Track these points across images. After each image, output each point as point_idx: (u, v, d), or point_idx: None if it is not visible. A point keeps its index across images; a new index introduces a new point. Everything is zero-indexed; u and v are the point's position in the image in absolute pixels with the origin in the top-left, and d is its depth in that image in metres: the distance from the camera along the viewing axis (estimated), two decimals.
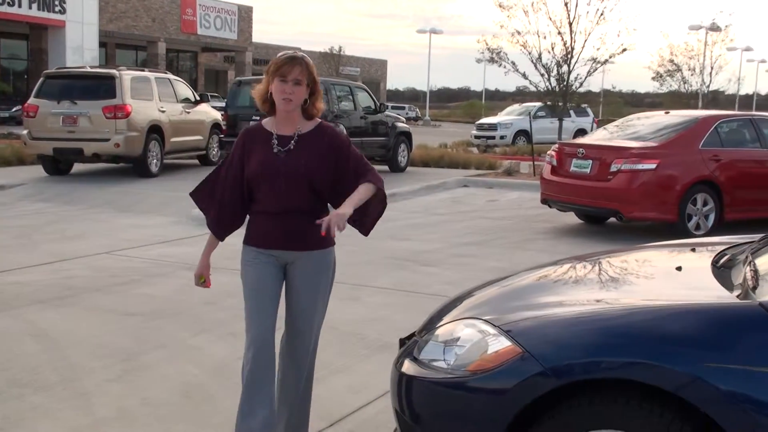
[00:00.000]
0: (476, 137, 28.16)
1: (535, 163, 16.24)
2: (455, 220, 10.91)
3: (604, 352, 2.53)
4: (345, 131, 11.40)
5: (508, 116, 29.74)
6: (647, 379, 2.44)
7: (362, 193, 3.31)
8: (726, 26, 24.63)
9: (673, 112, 10.83)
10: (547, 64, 15.36)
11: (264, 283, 3.39)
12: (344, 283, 6.94)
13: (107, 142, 13.53)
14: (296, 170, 3.29)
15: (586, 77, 15.47)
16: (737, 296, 2.64)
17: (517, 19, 15.23)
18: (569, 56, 15.19)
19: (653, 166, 9.22)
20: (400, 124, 16.30)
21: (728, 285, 2.80)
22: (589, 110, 28.53)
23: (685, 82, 25.49)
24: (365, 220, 3.46)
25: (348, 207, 3.24)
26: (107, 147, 13.58)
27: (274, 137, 3.36)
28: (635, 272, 3.37)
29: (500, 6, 15.39)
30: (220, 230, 3.49)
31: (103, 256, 8.02)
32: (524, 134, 28.37)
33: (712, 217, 9.59)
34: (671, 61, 25.16)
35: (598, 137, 10.47)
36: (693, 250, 3.55)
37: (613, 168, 9.37)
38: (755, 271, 2.85)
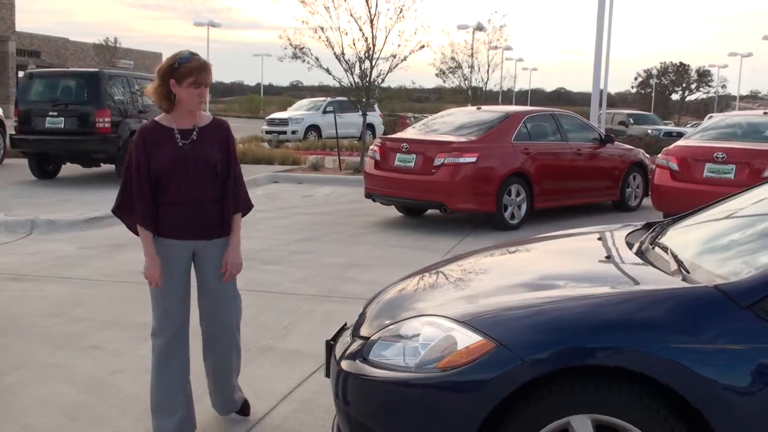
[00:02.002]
0: (267, 132, 27.98)
1: (340, 158, 16.46)
2: (278, 216, 10.81)
3: (578, 340, 2.63)
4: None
5: (298, 111, 29.81)
6: (623, 363, 2.57)
7: (238, 226, 3.73)
8: (500, 27, 26.24)
9: (484, 108, 11.40)
10: (350, 60, 15.56)
11: (177, 274, 3.62)
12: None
13: None
14: (204, 160, 3.54)
15: (387, 73, 15.85)
16: (681, 280, 2.86)
17: (320, 15, 15.30)
18: (371, 52, 15.48)
19: (473, 159, 9.68)
20: None
21: (665, 270, 3.01)
22: (376, 106, 29.26)
23: (465, 79, 26.86)
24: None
25: (237, 253, 3.72)
26: None
27: (176, 132, 3.55)
28: (567, 262, 3.55)
29: (302, 2, 15.38)
30: (153, 223, 3.56)
31: None
32: (315, 129, 28.65)
33: (524, 207, 10.24)
34: (453, 58, 26.43)
35: (419, 132, 10.77)
36: (599, 239, 3.79)
37: (437, 162, 9.71)
38: (675, 256, 3.12)
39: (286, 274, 7.35)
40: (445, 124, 10.82)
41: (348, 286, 6.89)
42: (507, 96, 44.39)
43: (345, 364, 3.10)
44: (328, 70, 15.62)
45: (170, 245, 3.58)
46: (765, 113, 10.44)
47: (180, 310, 3.67)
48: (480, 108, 11.39)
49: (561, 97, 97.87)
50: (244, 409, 4.04)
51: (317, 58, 15.46)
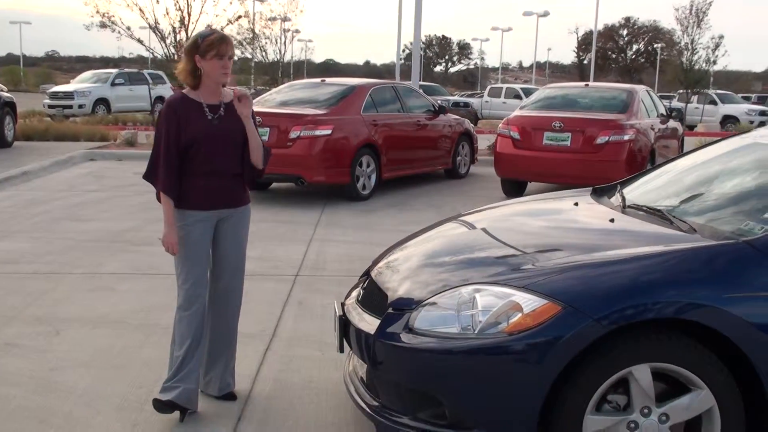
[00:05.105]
0: (51, 107, 25.95)
1: None
2: (120, 195, 10.25)
3: (640, 296, 2.86)
4: None
5: (84, 84, 27.95)
6: (680, 315, 2.84)
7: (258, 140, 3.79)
8: None
9: (328, 80, 11.45)
10: (163, 30, 14.90)
11: (204, 245, 3.73)
12: (71, 273, 6.29)
13: None
14: (232, 134, 3.70)
15: None
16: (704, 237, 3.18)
17: None
18: (186, 22, 14.92)
19: (329, 132, 9.74)
20: (3, 94, 14.48)
21: (674, 228, 3.32)
22: (165, 77, 28.18)
23: (263, 51, 26.56)
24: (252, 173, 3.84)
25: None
26: None
27: (204, 106, 3.67)
28: (570, 224, 3.77)
29: None
30: (175, 192, 3.64)
31: None
32: (104, 102, 27.08)
33: (374, 178, 10.47)
34: (251, 29, 26.00)
35: (270, 105, 10.60)
36: (576, 204, 4.05)
37: (293, 135, 9.65)
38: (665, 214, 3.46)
39: (169, 255, 7.01)
40: (292, 97, 10.75)
41: None
42: (287, 68, 44.35)
43: (385, 335, 3.13)
44: (140, 40, 14.88)
45: (197, 218, 3.68)
46: (586, 85, 11.40)
47: (206, 280, 3.78)
48: (324, 81, 11.43)
49: (330, 68, 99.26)
50: (233, 393, 3.94)
51: (129, 28, 14.66)
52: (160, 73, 28.65)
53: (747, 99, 38.38)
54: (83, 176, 12.03)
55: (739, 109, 31.87)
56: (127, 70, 29.76)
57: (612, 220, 3.56)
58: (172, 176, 3.61)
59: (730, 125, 29.41)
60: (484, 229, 3.84)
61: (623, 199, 3.90)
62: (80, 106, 26.16)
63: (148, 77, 28.39)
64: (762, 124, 28.26)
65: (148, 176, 3.73)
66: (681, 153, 4.28)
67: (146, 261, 6.77)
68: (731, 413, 2.92)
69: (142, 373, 4.27)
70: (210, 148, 3.64)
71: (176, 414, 3.67)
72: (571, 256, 3.15)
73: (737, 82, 64.71)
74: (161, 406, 3.60)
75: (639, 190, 4.13)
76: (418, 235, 4.15)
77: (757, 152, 3.98)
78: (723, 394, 2.90)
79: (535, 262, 3.16)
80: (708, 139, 17.01)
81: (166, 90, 28.81)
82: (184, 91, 3.74)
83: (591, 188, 4.41)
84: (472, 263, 3.36)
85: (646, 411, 2.91)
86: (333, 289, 5.97)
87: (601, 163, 9.51)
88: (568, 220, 3.87)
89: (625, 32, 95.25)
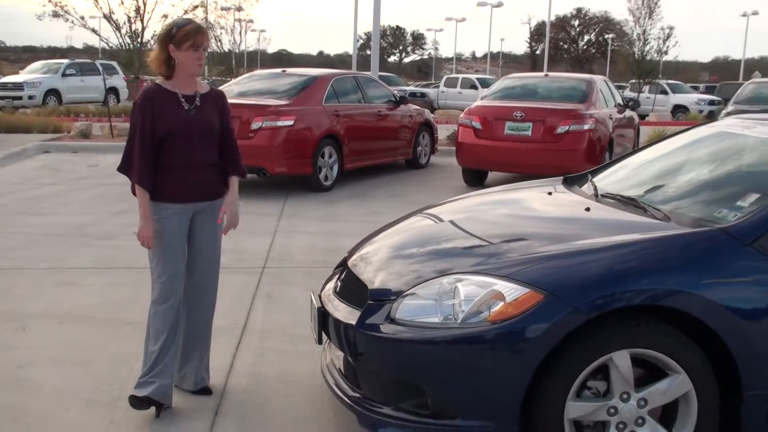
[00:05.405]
0: (0, 98, 25.35)
1: (112, 123, 15.51)
2: (78, 188, 10.06)
3: (620, 284, 2.90)
4: None
5: (33, 74, 27.33)
6: (659, 302, 2.89)
7: (236, 186, 3.84)
8: None
9: (289, 71, 11.36)
10: (118, 20, 14.63)
11: (180, 238, 3.67)
12: (33, 268, 6.18)
13: None
14: (208, 126, 3.64)
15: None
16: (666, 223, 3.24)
17: None
18: (142, 12, 14.68)
19: (291, 122, 9.67)
20: None
21: (649, 216, 3.37)
22: (118, 67, 27.70)
23: (218, 41, 26.28)
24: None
25: (237, 209, 3.82)
26: None
27: (180, 96, 3.61)
28: (547, 213, 3.80)
29: None
30: (150, 184, 3.57)
31: None
32: (54, 93, 26.52)
33: (336, 168, 10.44)
34: (206, 19, 25.69)
35: (231, 96, 10.46)
36: (550, 194, 4.09)
37: (254, 126, 9.56)
38: (639, 202, 3.51)
39: (133, 249, 6.84)
40: (252, 88, 10.65)
41: None
42: (241, 58, 43.99)
43: (366, 326, 3.13)
44: (94, 30, 14.59)
45: (173, 211, 3.62)
46: (546, 75, 11.50)
47: (182, 274, 3.70)
48: (285, 71, 11.34)
49: (283, 58, 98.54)
50: (208, 387, 3.90)
51: (83, 17, 14.36)
52: (113, 63, 28.16)
53: (695, 89, 39.11)
54: (38, 169, 11.78)
55: (690, 98, 32.49)
56: (78, 60, 29.17)
57: (587, 209, 3.61)
58: (147, 168, 3.54)
59: (680, 114, 30.02)
60: (463, 220, 3.86)
61: (595, 188, 3.95)
62: (30, 97, 25.57)
63: (100, 68, 27.90)
64: (711, 113, 28.90)
65: (123, 168, 3.66)
66: (651, 142, 4.33)
67: (109, 255, 6.67)
68: (707, 396, 2.98)
69: (112, 369, 4.21)
70: (186, 139, 3.58)
71: (152, 410, 3.63)
72: (552, 246, 3.18)
73: (684, 72, 65.90)
74: (137, 402, 3.55)
75: (610, 179, 4.19)
76: (396, 224, 4.15)
77: (725, 141, 4.06)
78: (699, 378, 2.96)
79: (515, 252, 3.18)
80: (663, 128, 17.33)
81: (119, 80, 28.36)
82: (158, 81, 3.67)
83: (562, 177, 4.46)
84: (455, 253, 3.37)
85: (625, 396, 2.96)
86: (301, 281, 5.95)
87: (562, 153, 9.61)
88: (544, 210, 3.90)
89: (576, 23, 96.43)
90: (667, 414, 3.04)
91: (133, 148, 3.57)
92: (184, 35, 3.51)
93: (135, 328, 4.86)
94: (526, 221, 3.76)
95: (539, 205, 3.97)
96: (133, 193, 3.64)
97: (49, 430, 3.53)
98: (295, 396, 3.91)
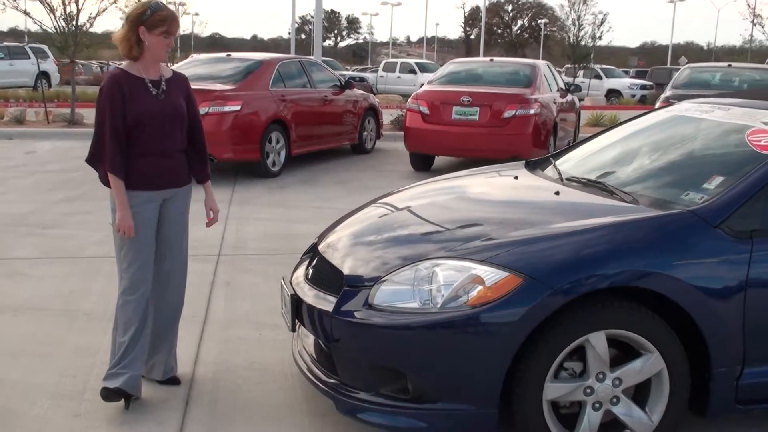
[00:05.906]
0: None
1: (47, 109, 15.07)
2: (14, 176, 9.73)
3: (597, 266, 2.95)
4: None
5: None
6: (634, 283, 2.95)
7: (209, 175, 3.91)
8: None
9: (234, 55, 11.18)
10: (51, 2, 14.16)
11: (152, 226, 3.60)
12: None
13: None
14: (176, 111, 3.57)
15: (95, 17, 14.67)
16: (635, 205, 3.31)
17: None
18: None
19: (238, 107, 9.55)
20: None
21: (617, 199, 3.44)
22: (49, 51, 26.88)
23: None
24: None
25: (215, 199, 3.97)
26: None
27: (147, 81, 3.52)
28: (518, 197, 3.84)
29: None
30: (124, 172, 3.48)
31: None
32: None
33: (283, 154, 10.36)
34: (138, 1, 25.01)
35: None
36: (516, 178, 4.13)
37: (201, 111, 9.31)
38: (607, 186, 3.58)
39: (80, 238, 6.77)
40: (196, 73, 10.43)
41: None
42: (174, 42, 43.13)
43: (343, 313, 3.12)
44: (26, 12, 14.11)
45: (145, 198, 3.54)
46: (491, 60, 11.59)
47: (152, 263, 3.63)
48: (229, 55, 11.17)
49: (216, 42, 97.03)
50: (176, 377, 3.84)
51: None
52: (44, 47, 27.29)
53: (626, 73, 39.96)
54: None
55: (623, 83, 33.21)
56: (6, 43, 28.20)
57: (557, 193, 3.65)
58: (120, 156, 3.44)
59: (613, 99, 30.68)
60: (432, 205, 3.87)
61: (559, 172, 4.01)
62: None
63: (30, 51, 27.03)
64: (643, 97, 29.59)
65: (92, 160, 3.55)
66: (609, 127, 4.40)
67: (57, 245, 6.49)
68: (679, 375, 3.07)
69: (73, 361, 4.11)
70: (157, 125, 3.50)
71: (120, 402, 3.55)
72: (527, 230, 3.22)
73: (614, 57, 67.13)
74: (109, 393, 3.47)
75: (572, 163, 4.25)
76: (365, 208, 4.14)
77: (682, 125, 4.16)
78: (671, 357, 3.04)
79: (492, 237, 3.20)
80: (600, 112, 17.68)
81: (50, 65, 27.52)
82: (122, 66, 3.56)
83: (523, 162, 4.51)
84: (433, 240, 3.37)
85: (600, 376, 3.02)
86: (258, 268, 5.90)
87: (509, 137, 9.71)
88: (515, 195, 3.94)
89: (510, 8, 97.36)
90: (640, 392, 3.12)
91: (104, 137, 3.45)
92: (159, 20, 3.42)
93: (91, 318, 4.76)
94: (499, 207, 3.79)
95: (509, 190, 4.01)
96: (104, 183, 3.53)
97: (16, 425, 3.43)
98: (265, 384, 3.88)
